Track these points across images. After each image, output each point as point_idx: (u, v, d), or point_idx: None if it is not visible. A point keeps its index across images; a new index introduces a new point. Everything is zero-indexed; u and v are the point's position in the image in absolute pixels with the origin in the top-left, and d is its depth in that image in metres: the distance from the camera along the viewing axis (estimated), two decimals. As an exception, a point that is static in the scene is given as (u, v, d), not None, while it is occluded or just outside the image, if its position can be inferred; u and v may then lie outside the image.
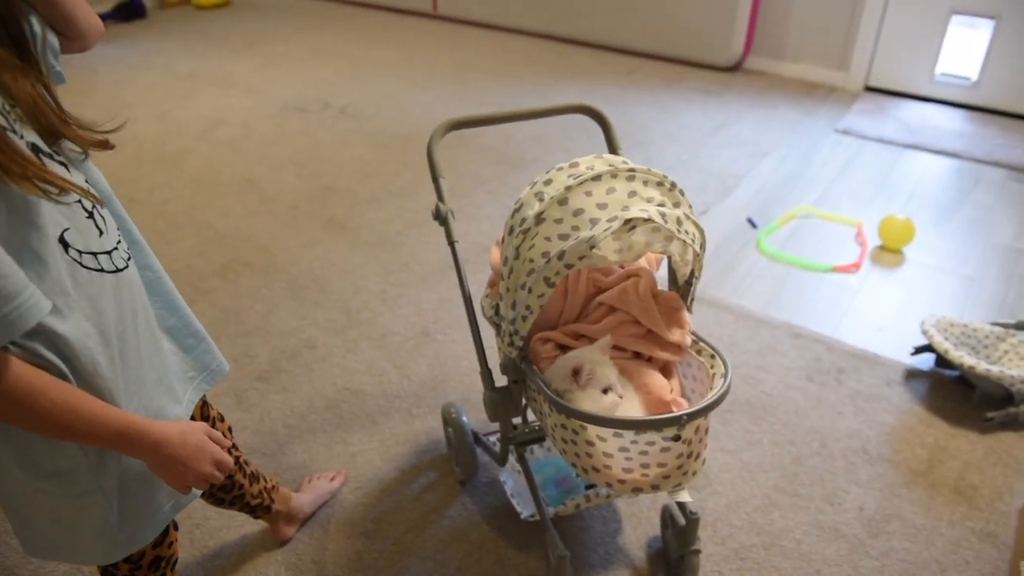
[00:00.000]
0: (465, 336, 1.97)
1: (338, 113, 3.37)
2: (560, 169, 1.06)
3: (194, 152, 3.02)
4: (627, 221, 0.95)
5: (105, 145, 0.83)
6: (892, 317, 2.07)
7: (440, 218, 1.29)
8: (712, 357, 1.12)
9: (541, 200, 1.03)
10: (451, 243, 1.31)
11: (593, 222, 0.99)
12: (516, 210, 1.07)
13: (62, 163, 0.78)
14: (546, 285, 1.00)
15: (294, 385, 1.83)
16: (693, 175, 2.85)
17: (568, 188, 1.00)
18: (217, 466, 0.87)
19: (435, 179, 1.31)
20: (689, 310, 1.18)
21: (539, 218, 1.01)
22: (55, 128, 0.77)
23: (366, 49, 4.24)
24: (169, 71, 3.91)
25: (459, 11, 4.60)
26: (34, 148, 0.74)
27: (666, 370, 1.16)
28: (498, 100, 3.47)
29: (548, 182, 1.05)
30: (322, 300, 2.13)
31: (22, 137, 0.73)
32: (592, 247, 0.95)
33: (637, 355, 1.16)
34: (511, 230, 1.07)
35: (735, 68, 3.85)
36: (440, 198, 1.30)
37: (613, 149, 1.40)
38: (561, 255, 0.97)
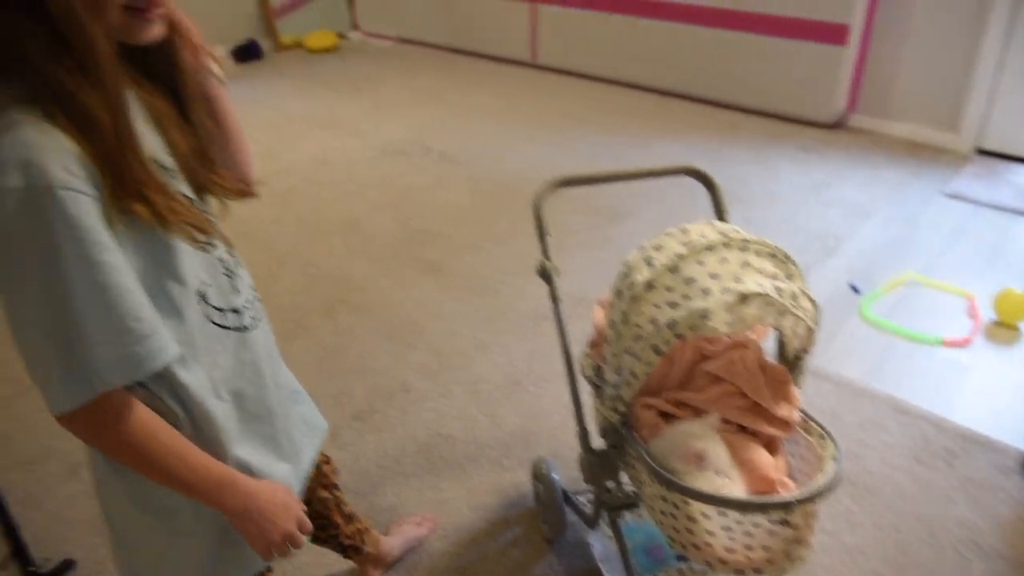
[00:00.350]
0: (557, 389, 1.98)
1: (437, 158, 3.48)
2: (670, 235, 1.07)
3: (301, 191, 3.17)
4: (742, 295, 0.94)
5: (247, 194, 0.90)
6: (1008, 398, 1.95)
7: (545, 275, 1.31)
8: (822, 438, 1.08)
9: (651, 266, 1.03)
10: (554, 301, 1.32)
11: (705, 292, 0.98)
12: (624, 274, 1.08)
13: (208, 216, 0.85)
14: (654, 353, 1.00)
15: (388, 426, 1.86)
16: (793, 235, 2.78)
17: (680, 256, 1.00)
18: (300, 526, 0.89)
19: (541, 236, 1.33)
20: (798, 385, 1.14)
21: (649, 285, 1.01)
22: (205, 183, 0.84)
23: (466, 96, 4.37)
24: (281, 111, 4.13)
25: (558, 61, 4.69)
26: (186, 198, 0.81)
27: (771, 446, 1.13)
28: (595, 151, 3.50)
29: (658, 248, 1.06)
30: (417, 343, 2.18)
31: (179, 193, 0.80)
32: (704, 318, 0.95)
33: (742, 428, 1.13)
34: (619, 294, 1.08)
35: (838, 125, 3.77)
36: (545, 255, 1.32)
37: (720, 213, 1.39)
38: (672, 324, 0.97)
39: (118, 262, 0.68)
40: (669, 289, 1.00)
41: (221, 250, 0.86)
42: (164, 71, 0.82)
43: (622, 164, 3.35)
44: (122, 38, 0.73)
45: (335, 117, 4.06)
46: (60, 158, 0.65)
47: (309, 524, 0.91)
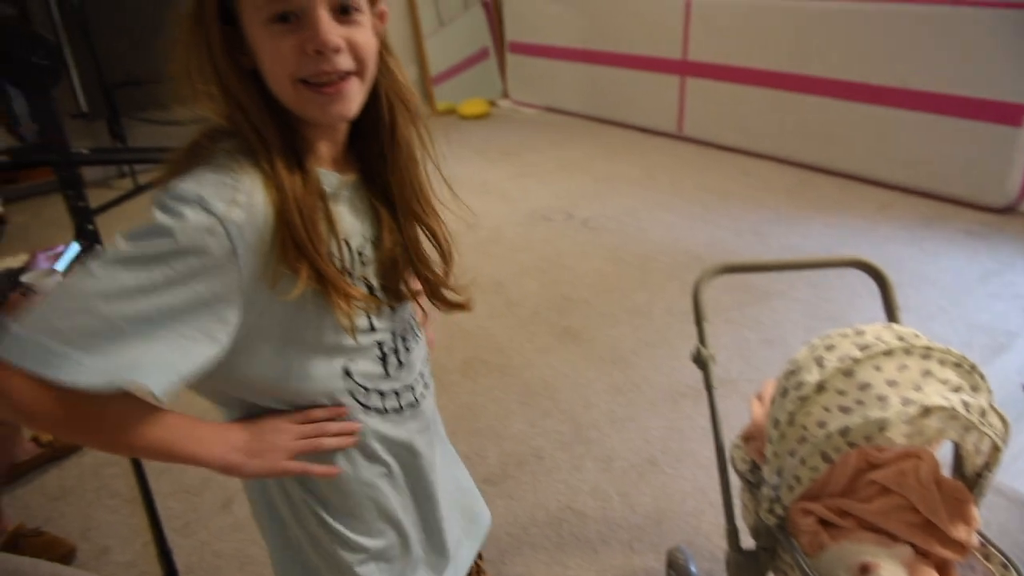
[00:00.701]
0: (693, 471, 1.92)
1: (581, 225, 3.54)
2: (844, 336, 1.03)
3: (448, 251, 3.31)
4: (925, 408, 0.89)
5: (457, 307, 0.93)
6: None
7: (700, 362, 1.29)
8: (1004, 567, 0.99)
9: (822, 366, 1.00)
10: (709, 389, 1.29)
11: (881, 399, 0.94)
12: (791, 372, 1.04)
13: (387, 305, 0.85)
14: (822, 460, 0.96)
15: (519, 494, 1.87)
16: (954, 326, 2.59)
17: (855, 360, 0.96)
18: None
19: (698, 321, 1.31)
20: (977, 505, 1.05)
21: (820, 387, 0.97)
22: (400, 293, 0.86)
23: (611, 165, 4.44)
24: (434, 175, 4.34)
25: (703, 133, 4.67)
26: (368, 286, 0.82)
27: (944, 570, 1.04)
28: (738, 226, 3.44)
29: (830, 347, 1.02)
30: (552, 410, 2.19)
31: (363, 278, 0.82)
32: (881, 429, 0.90)
33: (910, 546, 1.05)
34: (784, 392, 1.04)
35: (1009, 210, 3.50)
36: (702, 341, 1.30)
37: (891, 311, 1.32)
38: (844, 431, 0.93)
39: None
40: (841, 393, 0.96)
41: (386, 334, 0.85)
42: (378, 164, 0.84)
43: (766, 240, 3.26)
44: (301, 114, 0.74)
45: (485, 182, 4.23)
46: (244, 211, 0.68)
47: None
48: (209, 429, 0.78)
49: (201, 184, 0.68)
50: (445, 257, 0.91)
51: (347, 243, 0.78)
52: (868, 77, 3.73)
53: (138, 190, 3.39)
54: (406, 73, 0.83)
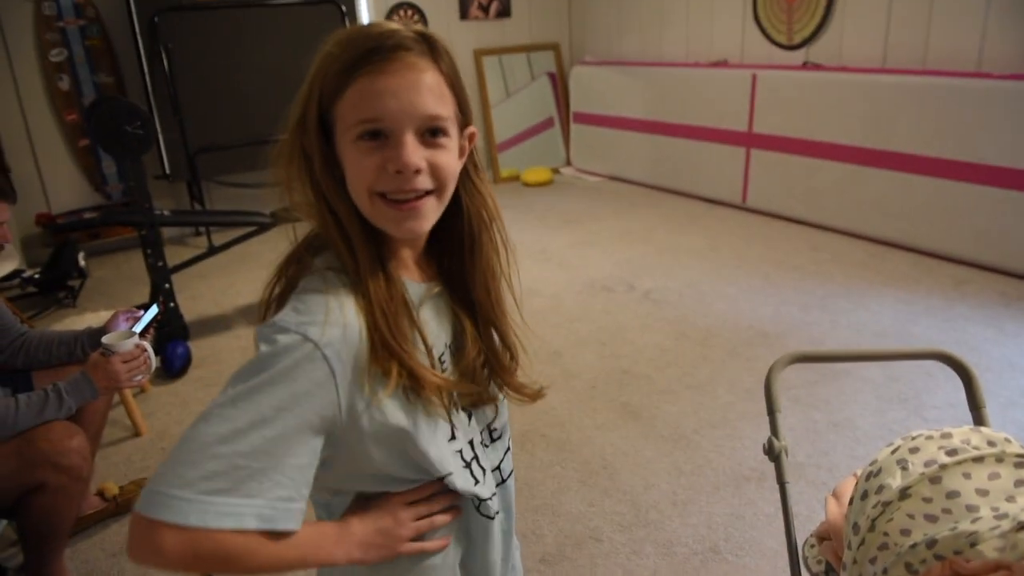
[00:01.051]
0: (757, 562, 1.83)
1: (642, 296, 3.51)
2: (930, 438, 0.97)
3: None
4: (1021, 524, 0.83)
5: (535, 396, 0.93)
6: None
7: (773, 455, 1.24)
8: None
9: (905, 470, 0.94)
10: (781, 484, 1.24)
11: (970, 509, 0.88)
12: (872, 473, 0.99)
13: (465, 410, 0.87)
14: (906, 570, 0.90)
15: (576, 577, 1.81)
16: (1044, 418, 2.44)
17: (943, 466, 0.91)
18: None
19: (771, 412, 1.27)
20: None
21: (904, 492, 0.92)
22: (477, 399, 0.87)
23: (673, 235, 4.42)
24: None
25: (768, 204, 4.63)
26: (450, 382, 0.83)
27: None
28: (804, 300, 3.36)
29: (915, 450, 0.96)
30: (611, 489, 2.13)
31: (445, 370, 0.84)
32: (972, 544, 0.84)
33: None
34: (864, 494, 0.99)
35: (1098, 292, 3.33)
36: (775, 433, 1.25)
37: (976, 408, 1.25)
38: (931, 543, 0.87)
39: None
40: (927, 501, 0.90)
41: (465, 443, 0.86)
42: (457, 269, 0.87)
43: (833, 316, 3.17)
44: (383, 226, 0.77)
45: (545, 249, 4.25)
46: (337, 331, 0.72)
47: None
48: (333, 532, 0.80)
49: (298, 311, 0.73)
50: (514, 359, 0.93)
51: (429, 349, 0.80)
52: (939, 151, 3.66)
53: (212, 251, 3.53)
54: (492, 192, 0.88)
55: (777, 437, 1.25)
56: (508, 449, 0.95)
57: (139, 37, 4.29)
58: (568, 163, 6.17)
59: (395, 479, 0.81)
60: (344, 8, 4.51)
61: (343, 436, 0.74)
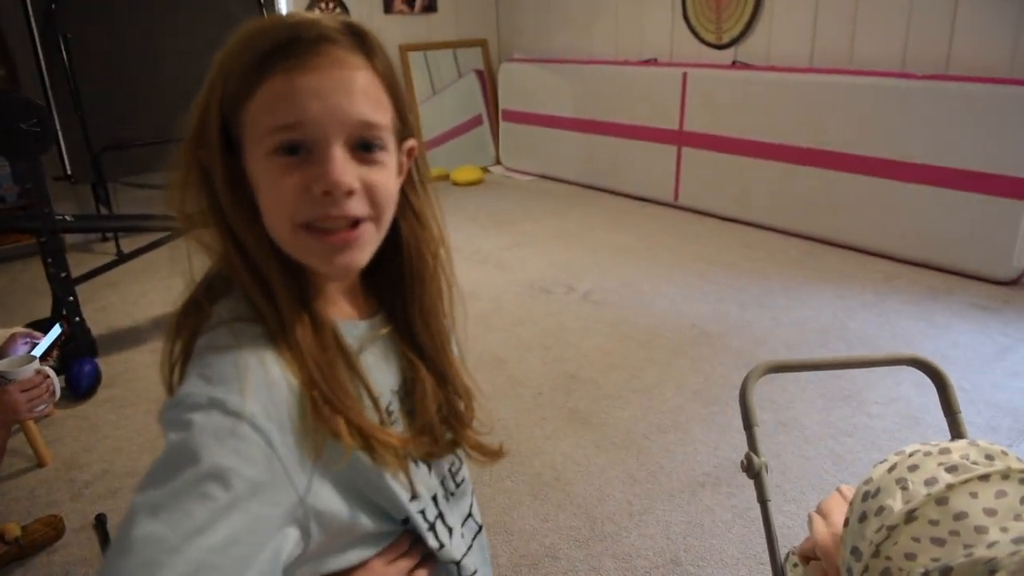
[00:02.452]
0: (721, 572, 1.78)
1: (581, 298, 3.44)
2: (928, 455, 0.91)
3: (446, 323, 3.19)
4: (1042, 547, 0.77)
5: (494, 455, 0.82)
6: None
7: (752, 472, 1.17)
8: None
9: (906, 490, 0.88)
10: (762, 502, 1.17)
11: (979, 531, 0.82)
12: (869, 493, 0.92)
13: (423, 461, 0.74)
14: (917, 600, 0.83)
15: (535, 600, 1.71)
16: (978, 408, 2.49)
17: (949, 486, 0.85)
18: None
19: (748, 427, 1.20)
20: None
21: (910, 515, 0.85)
22: (432, 455, 0.74)
23: (608, 234, 4.38)
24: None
25: (700, 202, 4.65)
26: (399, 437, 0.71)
27: None
28: (742, 298, 3.36)
29: (913, 468, 0.90)
30: (565, 503, 2.04)
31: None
32: (992, 572, 0.78)
33: None
34: (862, 516, 0.92)
35: (1016, 283, 3.46)
36: (753, 448, 1.18)
37: (951, 412, 1.21)
38: (946, 570, 0.81)
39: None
40: (934, 523, 0.84)
41: (427, 502, 0.74)
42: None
43: (773, 313, 3.18)
44: (310, 263, 0.64)
45: (479, 250, 4.14)
46: (262, 393, 0.58)
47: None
48: None
49: (210, 379, 0.57)
50: (469, 407, 0.80)
51: (376, 401, 0.67)
52: (867, 150, 3.74)
53: (122, 258, 3.26)
54: (438, 216, 0.75)
55: (756, 453, 1.18)
56: (472, 494, 0.83)
57: (34, 26, 3.94)
58: (498, 162, 6.08)
59: (368, 536, 0.68)
60: (263, -1, 4.29)
61: (297, 511, 0.59)
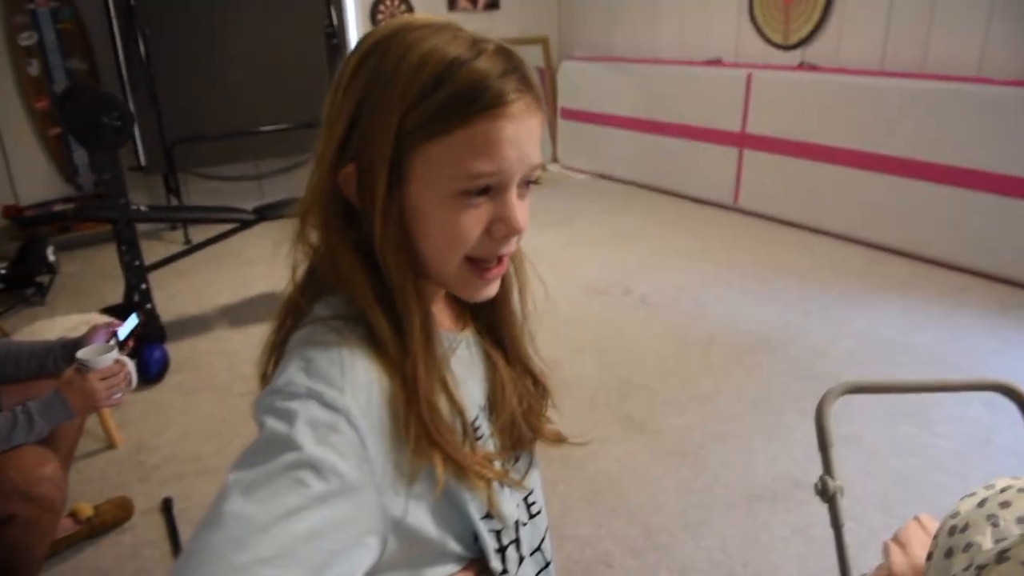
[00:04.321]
0: (780, 592, 1.74)
1: (638, 301, 3.41)
2: (1021, 491, 0.87)
3: (501, 322, 3.20)
4: None
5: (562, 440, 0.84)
6: None
7: (827, 496, 1.15)
8: None
9: (996, 527, 0.85)
10: (836, 527, 1.14)
11: (1073, 574, 0.79)
12: (957, 528, 0.89)
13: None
14: (1004, 643, 0.80)
15: (588, 607, 1.71)
16: (1054, 432, 2.39)
17: (1043, 526, 0.82)
18: None
19: (823, 447, 1.17)
20: None
21: (1002, 556, 0.82)
22: (514, 445, 0.77)
23: (666, 236, 4.33)
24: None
25: (760, 205, 4.56)
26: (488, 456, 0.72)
27: None
28: (806, 307, 3.29)
29: (1005, 504, 0.87)
30: (619, 509, 2.03)
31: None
32: (1086, 619, 0.75)
33: None
34: (948, 551, 0.89)
35: (1095, 302, 3.31)
36: (828, 471, 1.16)
37: (1038, 442, 1.17)
38: (1036, 615, 0.78)
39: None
40: (1026, 564, 0.81)
41: (512, 523, 0.74)
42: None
43: (837, 323, 3.10)
44: (451, 289, 0.68)
45: (535, 248, 4.08)
46: (361, 393, 0.59)
47: None
48: None
49: (311, 372, 0.59)
50: (545, 396, 0.85)
51: (467, 426, 0.68)
52: (938, 157, 3.61)
53: (191, 248, 3.36)
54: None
55: (832, 476, 1.15)
56: (547, 527, 0.83)
57: (114, 21, 4.08)
58: (555, 160, 6.06)
59: (448, 555, 0.68)
60: (330, -4, 4.35)
61: (383, 520, 0.60)
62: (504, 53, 0.62)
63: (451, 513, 0.66)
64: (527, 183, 0.65)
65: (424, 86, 0.59)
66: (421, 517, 0.63)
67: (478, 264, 0.64)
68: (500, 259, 0.65)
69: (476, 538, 0.68)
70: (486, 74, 0.59)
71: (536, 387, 0.83)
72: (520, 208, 0.63)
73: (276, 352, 0.68)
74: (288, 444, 0.54)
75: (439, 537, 0.65)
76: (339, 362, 0.60)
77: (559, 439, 0.86)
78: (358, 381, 0.59)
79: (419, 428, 0.61)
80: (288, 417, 0.56)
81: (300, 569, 0.52)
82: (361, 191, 0.63)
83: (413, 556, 0.65)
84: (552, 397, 0.85)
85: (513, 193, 0.63)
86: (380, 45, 0.62)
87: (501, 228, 0.62)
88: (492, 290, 0.68)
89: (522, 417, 0.78)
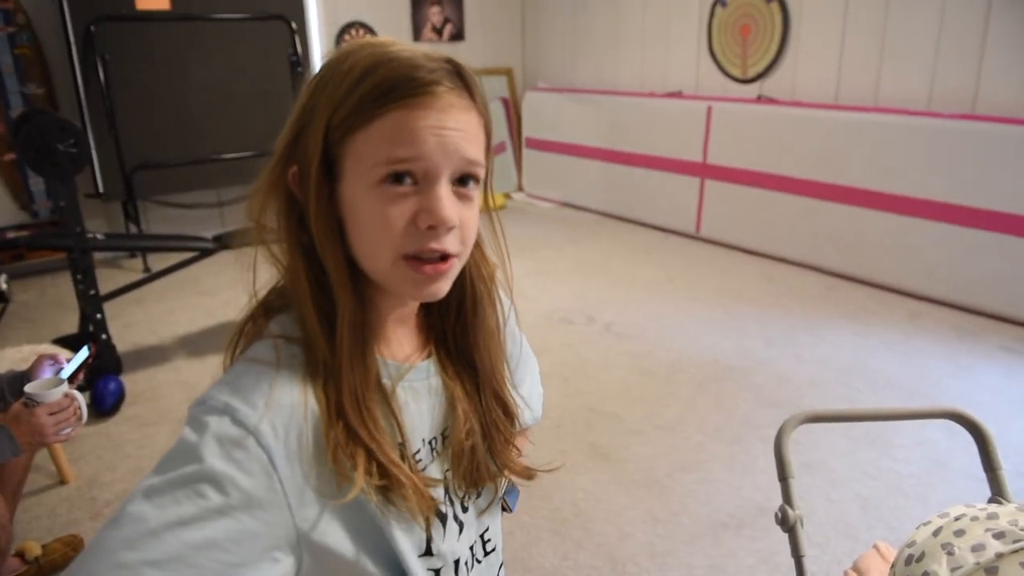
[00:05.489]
0: (745, 622, 1.74)
1: (602, 329, 3.43)
2: (975, 520, 0.89)
3: (466, 351, 3.18)
4: (1094, 623, 0.75)
5: (530, 476, 0.84)
6: None
7: (787, 525, 1.15)
8: None
9: (952, 555, 0.86)
10: (797, 557, 1.15)
11: (1029, 603, 0.80)
12: (913, 557, 0.90)
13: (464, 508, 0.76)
14: (962, 672, 0.81)
15: (555, 642, 1.69)
16: (1007, 455, 2.42)
17: (999, 555, 0.83)
18: None
19: (783, 478, 1.18)
20: None
21: (957, 584, 0.84)
22: (475, 481, 0.76)
23: (629, 265, 4.37)
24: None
25: (722, 234, 4.64)
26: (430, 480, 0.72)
27: None
28: (768, 334, 3.34)
29: (960, 533, 0.88)
30: (585, 541, 2.02)
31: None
32: (1044, 648, 0.76)
33: None
34: (905, 581, 0.90)
35: (1044, 328, 3.42)
36: (788, 501, 1.16)
37: (992, 468, 1.20)
38: (993, 645, 0.79)
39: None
40: (983, 593, 0.82)
41: (456, 558, 0.74)
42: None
43: (798, 350, 3.15)
44: (389, 288, 0.67)
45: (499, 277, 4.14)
46: (281, 414, 0.60)
47: None
48: None
49: (235, 388, 0.60)
50: (514, 424, 0.84)
51: (405, 442, 0.68)
52: (890, 187, 3.73)
53: (150, 277, 3.30)
54: (497, 234, 0.79)
55: (791, 506, 1.16)
56: (502, 565, 0.83)
57: (73, 46, 4.03)
58: (520, 188, 6.11)
59: None
60: (294, 25, 4.35)
61: (291, 542, 0.60)
62: (445, 59, 0.64)
63: (373, 542, 0.65)
64: (466, 181, 0.65)
65: (351, 83, 0.61)
66: (336, 536, 0.62)
67: (412, 260, 0.64)
68: (445, 258, 0.64)
69: (399, 567, 0.68)
70: (411, 67, 0.61)
71: (507, 417, 0.82)
72: (448, 200, 0.62)
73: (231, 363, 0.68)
74: (193, 456, 0.56)
75: (354, 558, 0.64)
76: (268, 380, 0.61)
77: (528, 474, 0.85)
78: (281, 401, 0.60)
79: (342, 428, 0.61)
80: (200, 429, 0.58)
81: (193, 569, 0.54)
82: (302, 189, 0.64)
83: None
84: (526, 433, 0.85)
85: (442, 186, 0.62)
86: (335, 58, 0.64)
87: (425, 218, 0.62)
88: (437, 289, 0.66)
89: (487, 451, 0.77)
